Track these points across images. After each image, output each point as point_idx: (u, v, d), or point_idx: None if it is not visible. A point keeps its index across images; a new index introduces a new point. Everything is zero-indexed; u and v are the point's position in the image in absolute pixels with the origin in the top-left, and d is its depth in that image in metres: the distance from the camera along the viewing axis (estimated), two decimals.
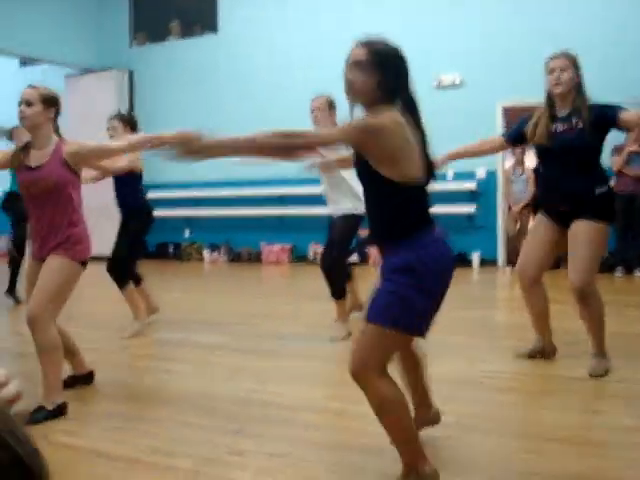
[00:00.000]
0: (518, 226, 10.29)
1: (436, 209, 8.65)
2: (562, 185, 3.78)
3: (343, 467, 2.67)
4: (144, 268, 5.70)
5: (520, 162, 10.27)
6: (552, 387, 3.60)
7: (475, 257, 9.59)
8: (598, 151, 3.80)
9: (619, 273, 8.37)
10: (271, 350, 4.66)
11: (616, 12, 8.80)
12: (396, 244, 2.29)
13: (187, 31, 11.80)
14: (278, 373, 4.16)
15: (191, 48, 11.67)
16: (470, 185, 9.63)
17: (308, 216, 10.23)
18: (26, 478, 0.77)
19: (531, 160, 12.17)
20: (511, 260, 9.85)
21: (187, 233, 11.90)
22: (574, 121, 3.72)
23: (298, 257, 10.82)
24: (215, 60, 11.43)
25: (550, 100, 3.84)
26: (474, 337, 4.85)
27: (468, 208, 9.58)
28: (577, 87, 3.76)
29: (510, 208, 10.09)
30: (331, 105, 4.88)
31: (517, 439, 2.92)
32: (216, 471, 2.66)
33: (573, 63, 3.77)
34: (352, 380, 2.26)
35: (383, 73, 2.24)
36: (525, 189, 10.18)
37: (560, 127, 3.76)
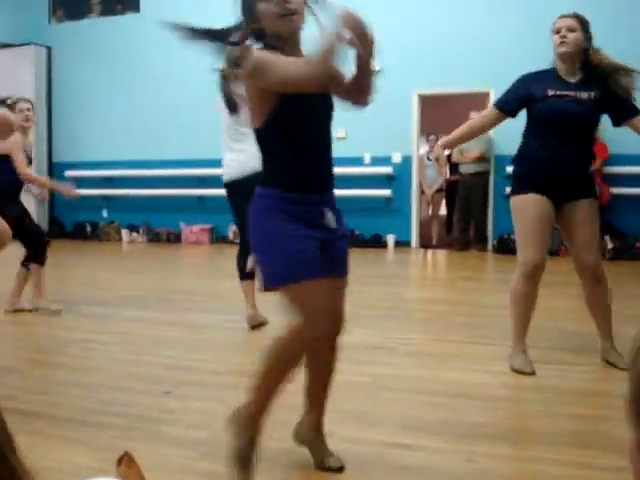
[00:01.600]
0: (430, 210, 10.74)
1: (354, 192, 9.07)
2: (564, 158, 3.54)
3: (274, 423, 2.88)
4: (61, 247, 5.70)
5: (433, 148, 10.71)
6: (459, 352, 3.91)
7: (390, 239, 9.95)
8: (597, 126, 3.66)
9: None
10: (194, 323, 4.83)
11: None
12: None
13: (108, 9, 11.67)
14: (201, 342, 4.34)
15: (112, 27, 11.57)
16: (386, 169, 9.95)
17: None
18: None
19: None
20: (423, 243, 10.29)
21: (105, 213, 11.83)
22: (580, 90, 3.50)
23: (218, 238, 10.94)
24: (136, 40, 11.36)
25: (553, 69, 3.62)
26: (389, 310, 5.14)
27: (384, 192, 9.90)
28: (584, 52, 3.52)
29: (423, 192, 10.50)
30: None
31: (428, 395, 3.21)
32: (149, 427, 2.83)
33: (582, 25, 3.51)
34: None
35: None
36: (438, 174, 10.62)
37: (566, 95, 3.51)
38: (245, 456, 2.25)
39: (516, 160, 3.72)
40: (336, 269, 2.22)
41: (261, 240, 2.14)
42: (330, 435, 2.71)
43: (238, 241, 4.76)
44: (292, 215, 2.10)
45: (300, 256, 2.08)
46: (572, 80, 3.55)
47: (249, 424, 2.28)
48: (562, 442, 2.63)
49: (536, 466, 2.41)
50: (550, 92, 3.52)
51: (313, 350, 2.26)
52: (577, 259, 3.64)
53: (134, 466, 1.33)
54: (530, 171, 3.63)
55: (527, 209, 3.58)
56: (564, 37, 3.46)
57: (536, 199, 3.57)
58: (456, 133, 3.76)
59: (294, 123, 2.11)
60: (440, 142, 3.79)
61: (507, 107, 3.65)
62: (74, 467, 2.45)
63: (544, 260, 3.60)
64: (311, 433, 2.47)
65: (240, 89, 2.03)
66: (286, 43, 2.09)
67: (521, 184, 3.67)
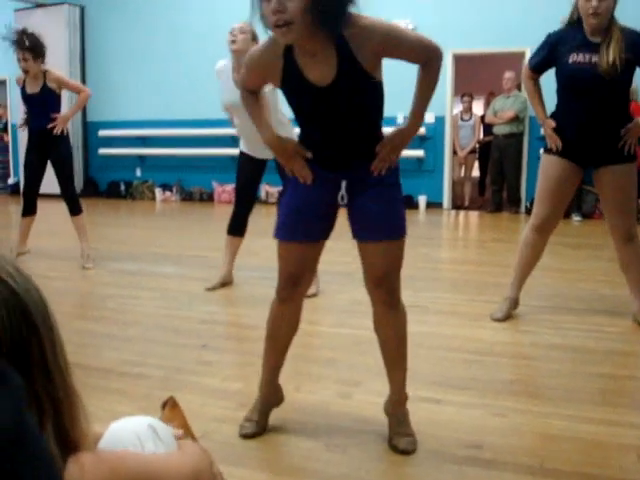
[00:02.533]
0: (463, 171, 10.67)
1: None
2: (596, 121, 3.53)
3: (303, 375, 2.95)
4: (96, 206, 5.81)
5: (468, 109, 10.59)
6: (490, 311, 3.92)
7: (422, 199, 9.92)
8: (627, 87, 3.57)
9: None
10: None
11: None
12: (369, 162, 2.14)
13: None
14: (236, 298, 4.43)
15: None
16: (419, 130, 9.84)
17: None
18: (22, 312, 0.85)
19: (479, 107, 12.53)
20: (455, 204, 10.26)
21: (139, 172, 11.94)
22: (607, 51, 3.40)
23: None
24: None
25: (577, 23, 3.53)
26: (421, 270, 5.17)
27: (417, 152, 9.84)
28: (612, 13, 3.43)
29: (456, 153, 10.43)
30: (254, 35, 4.26)
31: (459, 353, 3.25)
32: (186, 378, 2.92)
33: None
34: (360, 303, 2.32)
35: None
36: (471, 135, 10.53)
37: (594, 57, 3.43)
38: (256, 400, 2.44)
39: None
40: (362, 234, 2.22)
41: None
42: (359, 388, 2.78)
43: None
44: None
45: (283, 218, 2.28)
46: (597, 40, 3.46)
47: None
48: (590, 400, 2.67)
49: (564, 422, 2.45)
50: (571, 58, 3.49)
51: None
52: (609, 222, 3.73)
53: (178, 410, 1.38)
54: (559, 132, 3.66)
55: (549, 169, 3.71)
56: (597, 8, 3.36)
57: (558, 161, 3.66)
58: (539, 106, 3.76)
59: (293, 103, 2.16)
60: (546, 124, 3.70)
61: (536, 67, 3.72)
62: (113, 415, 2.53)
63: (554, 218, 3.75)
64: (388, 405, 2.38)
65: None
66: (300, 48, 2.00)
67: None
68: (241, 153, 4.69)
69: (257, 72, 2.18)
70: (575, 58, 3.48)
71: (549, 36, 3.64)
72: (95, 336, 3.58)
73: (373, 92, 2.09)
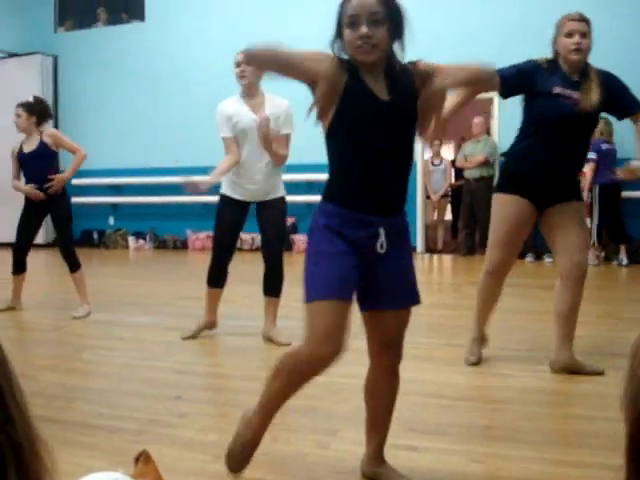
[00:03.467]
0: (436, 215, 10.78)
1: None
2: (563, 159, 3.51)
3: (279, 426, 2.91)
4: None
5: (438, 153, 10.75)
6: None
7: None
8: (596, 126, 3.67)
9: (530, 259, 8.83)
10: None
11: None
12: (401, 212, 2.20)
13: (114, 19, 11.76)
14: (210, 347, 4.40)
15: (117, 36, 11.64)
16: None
17: None
18: None
19: (449, 152, 12.71)
20: (429, 248, 10.33)
21: (112, 220, 11.90)
22: (589, 89, 3.41)
23: None
24: (141, 48, 11.43)
25: (555, 62, 3.52)
26: None
27: None
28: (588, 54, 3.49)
29: (429, 197, 10.54)
30: None
31: (435, 398, 3.25)
32: (161, 430, 2.88)
33: (590, 28, 3.45)
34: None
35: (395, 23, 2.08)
36: (443, 179, 10.67)
37: (575, 94, 3.41)
38: (234, 457, 2.30)
39: (509, 156, 3.72)
40: (381, 303, 2.19)
41: (306, 258, 2.15)
42: (337, 437, 2.77)
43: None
44: (338, 234, 2.07)
45: (320, 277, 2.08)
46: (575, 79, 3.46)
47: (246, 429, 2.31)
48: (567, 442, 2.68)
49: (541, 466, 2.45)
50: (556, 89, 3.43)
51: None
52: (567, 260, 3.55)
53: (151, 464, 1.37)
54: (522, 170, 3.56)
55: (505, 209, 3.57)
56: (579, 44, 3.38)
57: (517, 201, 3.53)
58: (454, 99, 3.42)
59: (349, 137, 2.10)
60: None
61: (506, 80, 3.44)
62: (86, 471, 2.47)
63: (509, 262, 3.69)
64: (374, 463, 2.37)
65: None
66: (366, 69, 2.07)
67: (507, 183, 3.64)
68: (222, 197, 4.47)
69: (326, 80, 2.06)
70: (559, 90, 3.42)
71: (533, 62, 3.51)
72: (68, 389, 3.53)
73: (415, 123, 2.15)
